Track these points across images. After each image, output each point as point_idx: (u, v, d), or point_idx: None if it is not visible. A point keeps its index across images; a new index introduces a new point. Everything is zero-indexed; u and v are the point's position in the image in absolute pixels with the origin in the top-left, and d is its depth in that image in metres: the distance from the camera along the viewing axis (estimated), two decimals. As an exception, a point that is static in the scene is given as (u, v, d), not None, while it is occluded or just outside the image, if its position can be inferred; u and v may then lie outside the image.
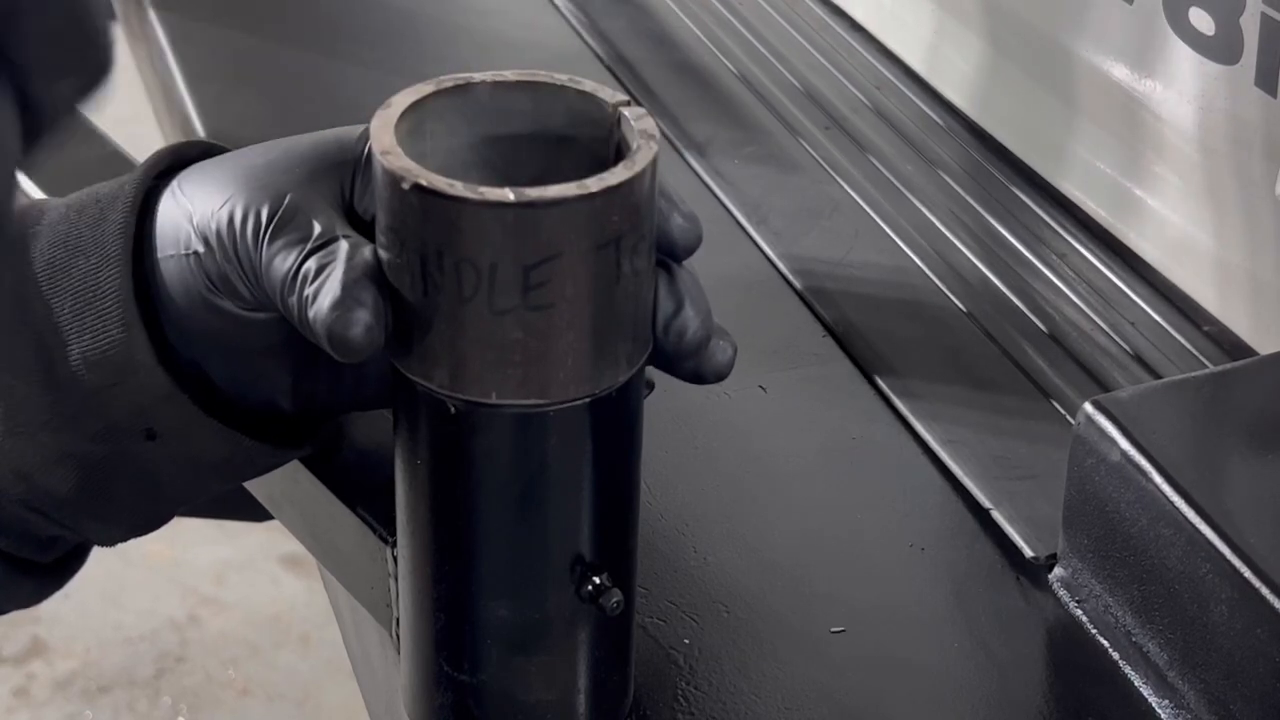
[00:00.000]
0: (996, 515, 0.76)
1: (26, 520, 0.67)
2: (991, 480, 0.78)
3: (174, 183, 0.64)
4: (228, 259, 0.62)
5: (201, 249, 0.62)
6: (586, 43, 1.15)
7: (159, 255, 0.64)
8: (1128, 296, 0.91)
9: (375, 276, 0.57)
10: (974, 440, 0.80)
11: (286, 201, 0.61)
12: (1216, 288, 0.89)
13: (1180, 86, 0.88)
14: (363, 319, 0.57)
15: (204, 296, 0.63)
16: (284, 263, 0.60)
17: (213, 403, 0.65)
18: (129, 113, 1.66)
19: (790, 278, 0.92)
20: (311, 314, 0.58)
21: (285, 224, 0.60)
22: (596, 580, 0.60)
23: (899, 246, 0.95)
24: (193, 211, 0.63)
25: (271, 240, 0.60)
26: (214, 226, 0.62)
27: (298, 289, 0.59)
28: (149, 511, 0.69)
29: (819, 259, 0.93)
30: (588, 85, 0.60)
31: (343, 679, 1.88)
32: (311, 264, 0.59)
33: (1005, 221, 0.97)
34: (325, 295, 0.57)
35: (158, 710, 1.94)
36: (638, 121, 0.58)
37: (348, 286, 0.57)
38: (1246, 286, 0.87)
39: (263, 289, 0.61)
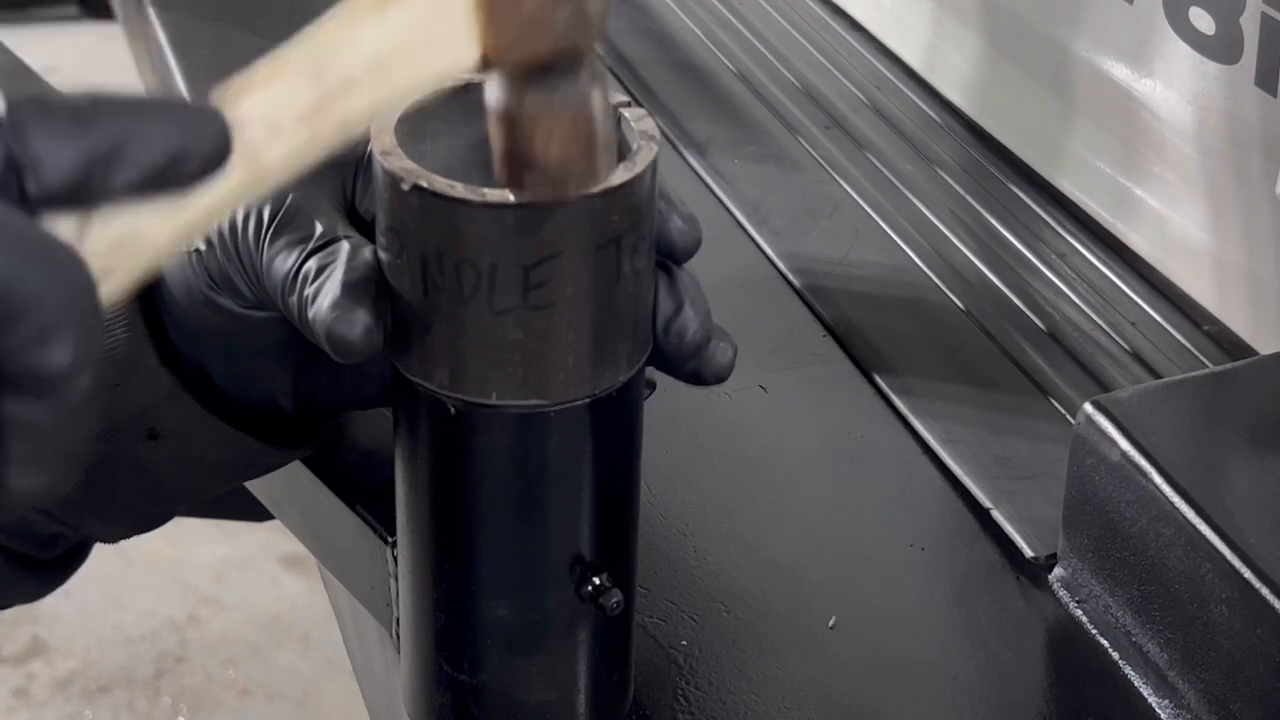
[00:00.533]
0: (996, 515, 0.76)
1: (28, 518, 0.67)
2: (991, 480, 0.78)
3: None
4: (229, 258, 0.62)
5: (203, 247, 0.62)
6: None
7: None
8: (1127, 296, 0.91)
9: (375, 277, 0.57)
10: (974, 440, 0.80)
11: (288, 201, 0.61)
12: (1216, 287, 0.89)
13: (1180, 86, 0.88)
14: (362, 320, 0.57)
15: (205, 295, 0.63)
16: (285, 262, 0.60)
17: (214, 403, 0.65)
18: (129, 112, 1.66)
19: (790, 277, 0.92)
20: (311, 314, 0.58)
21: (286, 224, 0.60)
22: (596, 580, 0.60)
23: (899, 246, 0.95)
24: None
25: (273, 240, 0.60)
26: (215, 225, 0.62)
27: (298, 289, 0.59)
28: (151, 510, 0.69)
29: (819, 258, 0.93)
30: (588, 85, 0.60)
31: (343, 679, 1.88)
32: (312, 264, 0.59)
33: (1006, 221, 0.97)
34: (325, 295, 0.57)
35: (158, 710, 1.94)
36: (638, 122, 0.58)
37: (348, 287, 0.57)
38: (1247, 286, 0.87)
39: (263, 288, 0.61)
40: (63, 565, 0.71)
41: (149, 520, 0.69)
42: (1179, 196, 0.91)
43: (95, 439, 0.64)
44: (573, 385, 0.57)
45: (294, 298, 0.59)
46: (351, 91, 0.50)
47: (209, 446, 0.66)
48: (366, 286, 0.57)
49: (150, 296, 0.64)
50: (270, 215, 0.61)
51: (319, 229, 0.60)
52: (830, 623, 0.70)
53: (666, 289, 0.59)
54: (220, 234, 0.62)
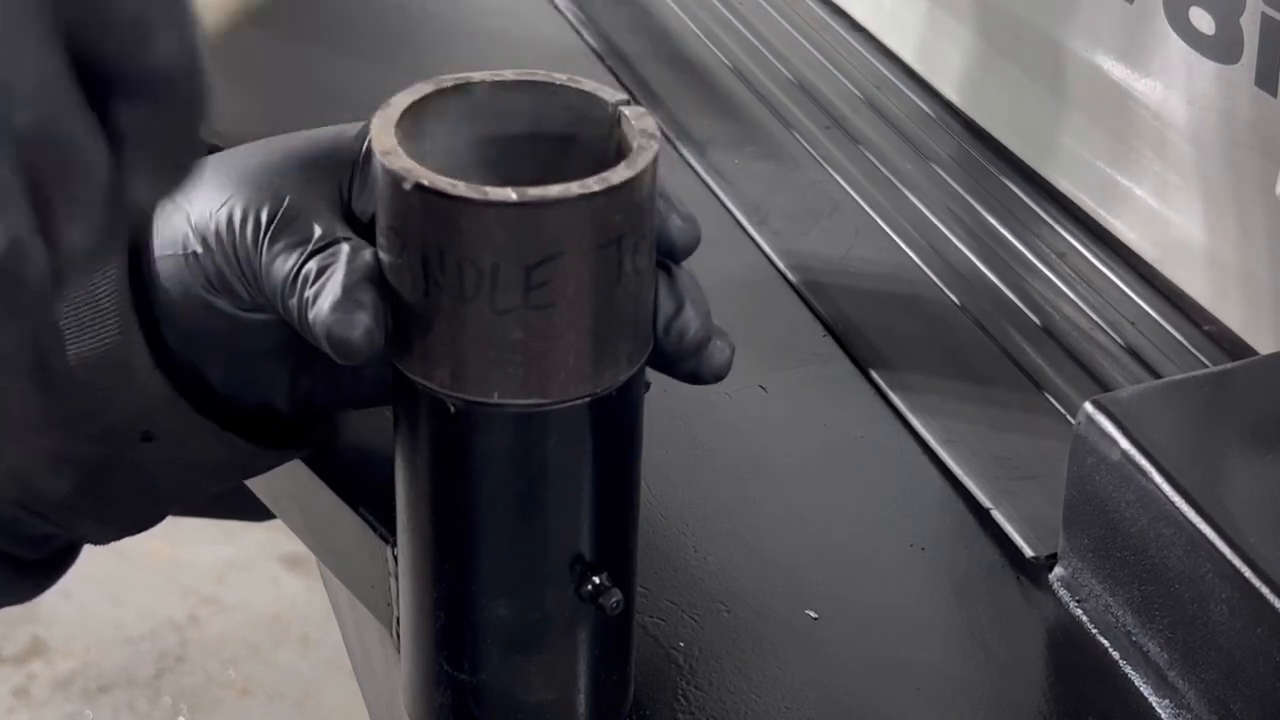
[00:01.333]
0: (996, 515, 0.76)
1: (20, 520, 0.67)
2: (991, 479, 0.78)
3: None
4: (226, 260, 0.62)
5: (200, 249, 0.62)
6: (586, 42, 1.15)
7: (156, 255, 0.64)
8: (1126, 295, 0.91)
9: (376, 279, 0.57)
10: (974, 439, 0.80)
11: (286, 203, 0.61)
12: (1216, 287, 0.89)
13: (1179, 86, 0.88)
14: (363, 321, 0.57)
15: (202, 297, 0.63)
16: (284, 264, 0.60)
17: (210, 405, 0.65)
18: (129, 112, 1.66)
19: (791, 277, 0.92)
20: (312, 315, 0.58)
21: (285, 226, 0.60)
22: (596, 580, 0.60)
23: (899, 246, 0.95)
24: (190, 211, 0.63)
25: (272, 242, 0.60)
26: (213, 227, 0.62)
27: (298, 290, 0.59)
28: (144, 511, 0.69)
29: (819, 258, 0.93)
30: (587, 84, 0.60)
31: (343, 679, 1.88)
32: (312, 265, 0.59)
33: (1005, 221, 0.97)
34: (326, 297, 0.57)
35: (158, 710, 1.94)
36: (638, 120, 0.58)
37: (348, 288, 0.57)
38: (1247, 287, 0.87)
39: (261, 290, 0.61)
40: (53, 566, 0.71)
41: (142, 521, 0.69)
42: (1179, 196, 0.91)
43: (89, 441, 0.64)
44: (573, 384, 0.57)
45: (294, 300, 0.59)
46: None
47: (204, 449, 0.66)
48: (367, 288, 0.57)
49: (145, 299, 0.64)
50: (269, 218, 0.61)
51: (318, 231, 0.60)
52: (813, 615, 0.70)
53: (666, 288, 0.59)
54: (218, 236, 0.62)
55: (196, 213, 0.63)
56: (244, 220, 0.61)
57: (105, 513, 0.67)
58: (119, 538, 0.70)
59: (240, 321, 0.63)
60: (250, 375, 0.66)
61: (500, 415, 0.57)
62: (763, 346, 0.86)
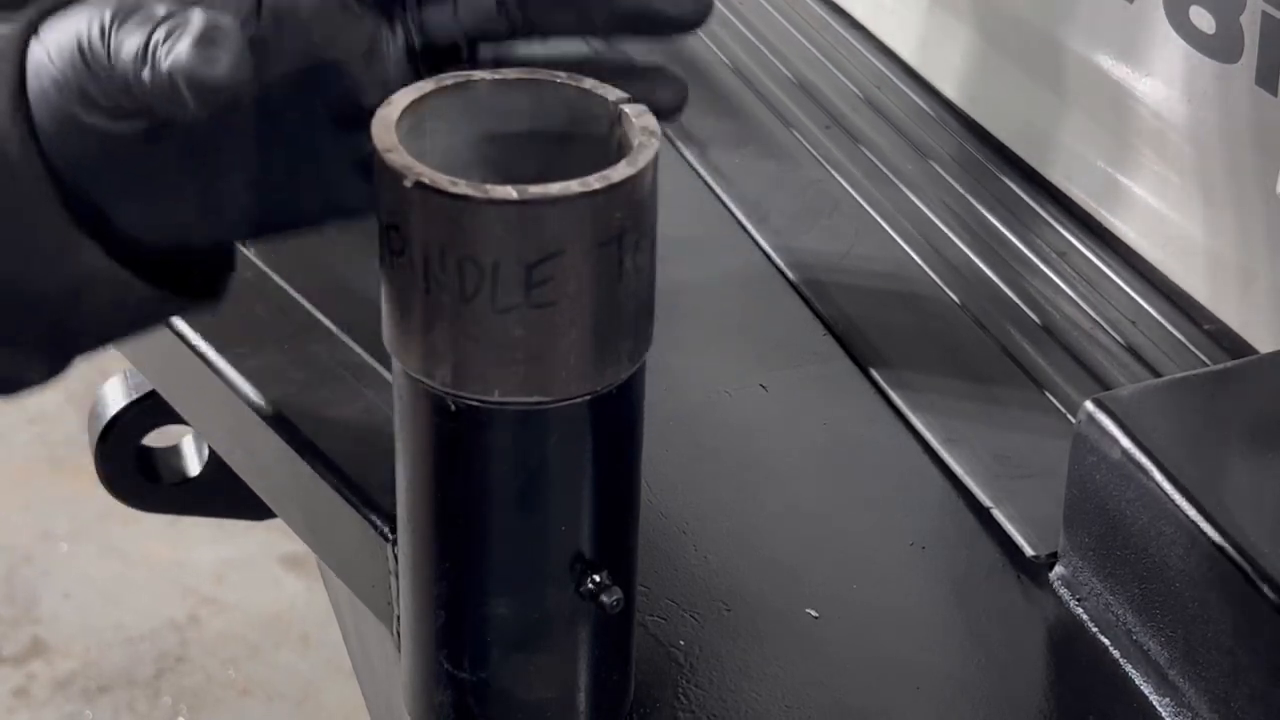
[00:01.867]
0: (997, 513, 0.76)
1: None
2: (992, 478, 0.78)
3: (37, 31, 0.63)
4: (81, 71, 0.60)
5: (61, 75, 0.61)
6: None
7: (31, 99, 0.62)
8: (1126, 293, 0.91)
9: (235, 19, 0.57)
10: (974, 438, 0.80)
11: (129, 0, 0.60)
12: (1217, 286, 0.89)
13: (1179, 84, 0.88)
14: (222, 57, 0.56)
15: (76, 119, 0.61)
16: (132, 43, 0.58)
17: (118, 250, 0.63)
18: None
19: (791, 276, 0.92)
20: (168, 67, 0.57)
21: (130, 14, 0.59)
22: (596, 578, 0.60)
23: (900, 245, 0.95)
24: (48, 44, 0.61)
25: (118, 30, 0.59)
26: (68, 46, 0.60)
27: (150, 59, 0.58)
28: (52, 363, 0.67)
29: (820, 257, 0.93)
30: (588, 82, 0.60)
31: (343, 678, 1.88)
32: (160, 33, 0.58)
33: (1006, 220, 0.97)
34: (182, 41, 0.57)
35: (158, 710, 1.94)
36: (638, 118, 0.58)
37: (205, 30, 0.56)
38: (1248, 286, 0.87)
39: (117, 84, 0.59)
40: None
41: (46, 372, 0.68)
42: (1179, 195, 0.91)
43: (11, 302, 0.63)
44: (574, 383, 0.57)
45: (147, 69, 0.58)
46: None
47: (115, 294, 0.64)
48: (229, 27, 0.57)
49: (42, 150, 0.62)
50: (113, 13, 0.59)
51: (163, 10, 0.58)
52: (813, 614, 0.70)
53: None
54: (73, 51, 0.60)
55: (54, 42, 0.61)
56: (90, 25, 0.60)
57: (15, 360, 0.66)
58: (20, 389, 0.68)
59: (117, 137, 0.61)
60: (149, 202, 0.64)
61: (501, 414, 0.57)
62: (763, 346, 0.86)
